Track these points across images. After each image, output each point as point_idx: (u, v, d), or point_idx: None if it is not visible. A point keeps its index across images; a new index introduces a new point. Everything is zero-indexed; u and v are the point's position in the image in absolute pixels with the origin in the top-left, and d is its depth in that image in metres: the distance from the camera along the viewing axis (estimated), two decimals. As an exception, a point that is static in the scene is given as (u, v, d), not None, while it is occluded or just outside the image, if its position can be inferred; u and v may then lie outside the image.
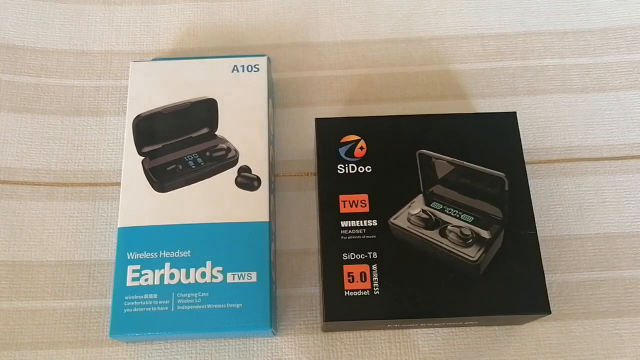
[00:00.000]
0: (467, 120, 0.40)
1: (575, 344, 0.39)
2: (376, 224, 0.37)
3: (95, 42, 0.48)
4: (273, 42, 0.48)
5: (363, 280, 0.35)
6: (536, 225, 0.40)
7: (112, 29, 0.48)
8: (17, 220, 0.42)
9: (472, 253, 0.36)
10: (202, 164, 0.39)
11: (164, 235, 0.37)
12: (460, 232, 0.37)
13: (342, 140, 0.39)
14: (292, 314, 0.40)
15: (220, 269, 0.37)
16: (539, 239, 0.42)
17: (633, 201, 0.43)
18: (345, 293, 0.35)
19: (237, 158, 0.39)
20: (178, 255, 0.37)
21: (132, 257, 0.37)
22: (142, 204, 0.38)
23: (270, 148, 0.40)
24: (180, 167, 0.39)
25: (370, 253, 0.36)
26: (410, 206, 0.37)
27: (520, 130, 0.44)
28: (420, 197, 0.38)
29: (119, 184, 0.43)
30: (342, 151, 0.39)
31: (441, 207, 0.37)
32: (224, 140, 0.40)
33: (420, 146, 0.39)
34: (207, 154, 0.40)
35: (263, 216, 0.38)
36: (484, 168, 0.38)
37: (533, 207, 0.41)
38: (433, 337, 0.39)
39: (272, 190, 0.40)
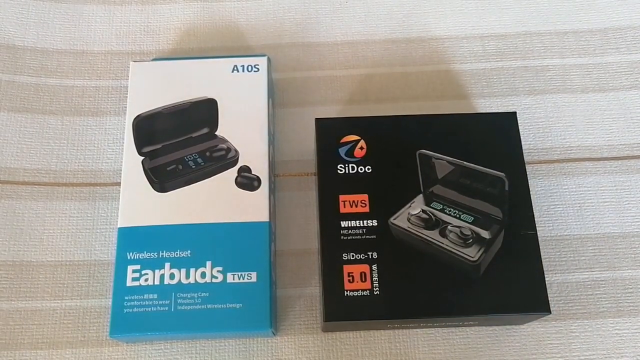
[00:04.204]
0: (467, 120, 0.40)
1: (575, 344, 0.39)
2: (376, 224, 0.37)
3: (95, 42, 0.48)
4: (273, 42, 0.48)
5: (363, 280, 0.35)
6: (536, 225, 0.40)
7: (112, 29, 0.48)
8: (17, 220, 0.42)
9: (472, 253, 0.36)
10: (202, 164, 0.39)
11: (164, 235, 0.37)
12: (460, 232, 0.37)
13: (342, 140, 0.39)
14: (292, 314, 0.40)
15: (220, 269, 0.37)
16: (539, 239, 0.42)
17: (633, 201, 0.43)
18: (345, 293, 0.35)
19: (237, 158, 0.39)
20: (178, 255, 0.37)
21: (132, 257, 0.37)
22: (142, 204, 0.38)
23: (270, 148, 0.40)
24: (181, 167, 0.39)
25: (370, 253, 0.36)
26: (410, 206, 0.37)
27: (520, 130, 0.44)
28: (420, 197, 0.38)
29: (119, 184, 0.43)
30: (342, 151, 0.39)
31: (441, 207, 0.37)
32: (224, 140, 0.40)
33: (420, 146, 0.39)
34: (207, 154, 0.40)
35: (263, 216, 0.38)
36: (484, 168, 0.38)
37: (533, 207, 0.41)
38: (433, 337, 0.39)
39: (272, 190, 0.40)
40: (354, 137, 0.39)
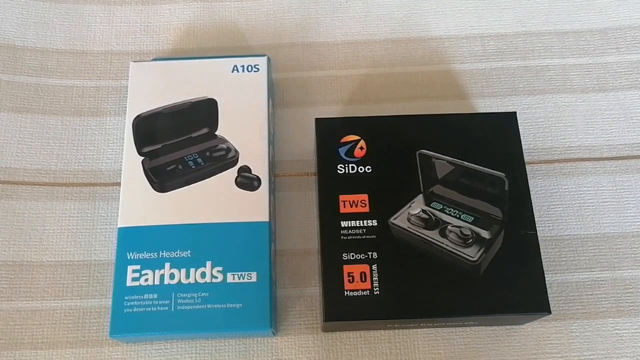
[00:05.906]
0: (467, 120, 0.40)
1: (575, 344, 0.39)
2: (376, 224, 0.37)
3: (95, 42, 0.48)
4: (273, 42, 0.48)
5: (363, 280, 0.35)
6: (536, 225, 0.40)
7: (112, 29, 0.48)
8: (17, 220, 0.42)
9: (472, 253, 0.36)
10: (202, 164, 0.39)
11: (164, 235, 0.37)
12: (460, 232, 0.37)
13: (342, 140, 0.39)
14: (292, 314, 0.40)
15: (220, 269, 0.37)
16: (539, 239, 0.42)
17: (633, 201, 0.43)
18: (345, 293, 0.35)
19: (237, 158, 0.39)
20: (178, 255, 0.37)
21: (132, 257, 0.37)
22: (142, 204, 0.38)
23: (270, 148, 0.40)
24: (180, 167, 0.39)
25: (370, 253, 0.36)
26: (410, 206, 0.37)
27: (520, 130, 0.44)
28: (420, 197, 0.38)
29: (119, 184, 0.43)
30: (342, 151, 0.39)
31: (441, 207, 0.37)
32: (224, 140, 0.40)
33: (420, 146, 0.39)
34: (207, 154, 0.40)
35: (263, 216, 0.38)
36: (484, 168, 0.38)
37: (533, 207, 0.41)
38: (433, 337, 0.39)
39: (272, 190, 0.40)
40: (354, 137, 0.39)
